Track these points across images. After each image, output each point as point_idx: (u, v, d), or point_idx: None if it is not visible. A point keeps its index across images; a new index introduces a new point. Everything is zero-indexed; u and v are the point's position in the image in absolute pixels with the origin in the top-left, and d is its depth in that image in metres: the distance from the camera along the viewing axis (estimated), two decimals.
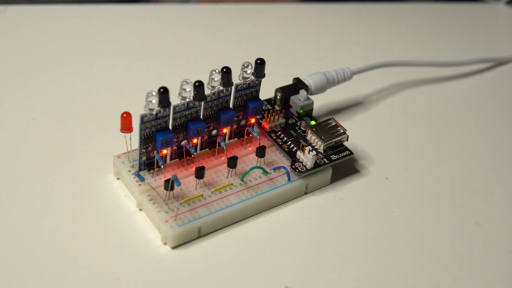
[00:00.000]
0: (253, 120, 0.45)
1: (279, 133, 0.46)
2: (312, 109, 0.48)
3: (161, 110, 0.40)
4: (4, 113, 0.48)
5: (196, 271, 0.39)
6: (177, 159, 0.43)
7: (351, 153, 0.45)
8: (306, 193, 0.44)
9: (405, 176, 0.47)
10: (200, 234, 0.41)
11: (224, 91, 0.42)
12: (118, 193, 0.43)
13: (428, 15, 0.66)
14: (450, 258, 0.41)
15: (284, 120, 0.46)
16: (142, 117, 0.40)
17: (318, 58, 0.55)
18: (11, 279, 0.37)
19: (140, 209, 0.42)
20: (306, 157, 0.43)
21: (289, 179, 0.43)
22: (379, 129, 0.51)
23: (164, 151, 0.42)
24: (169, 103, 0.40)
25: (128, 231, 0.40)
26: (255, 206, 0.42)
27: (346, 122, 0.50)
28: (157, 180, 0.42)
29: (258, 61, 0.43)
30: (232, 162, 0.42)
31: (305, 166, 0.43)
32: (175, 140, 0.42)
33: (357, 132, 0.49)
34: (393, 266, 0.41)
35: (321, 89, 0.49)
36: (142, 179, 0.42)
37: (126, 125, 0.41)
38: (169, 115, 0.41)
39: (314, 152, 0.43)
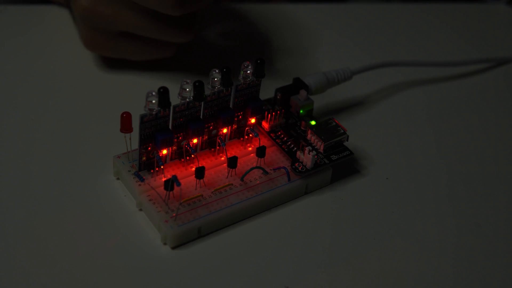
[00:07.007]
0: (253, 120, 0.45)
1: (279, 133, 0.46)
2: (312, 109, 0.48)
3: (161, 110, 0.40)
4: (4, 113, 0.48)
5: (196, 271, 0.39)
6: (177, 159, 0.43)
7: (351, 153, 0.45)
8: (306, 193, 0.44)
9: (405, 176, 0.47)
10: (200, 234, 0.41)
11: (224, 91, 0.42)
12: (118, 193, 0.43)
13: (428, 15, 0.66)
14: (450, 258, 0.41)
15: (284, 120, 0.46)
16: (142, 117, 0.40)
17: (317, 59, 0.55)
18: (11, 279, 0.37)
19: (140, 209, 0.42)
20: (306, 157, 0.43)
21: (289, 179, 0.43)
22: (379, 129, 0.51)
23: (164, 151, 0.42)
24: (169, 103, 0.40)
25: (128, 231, 0.40)
26: (255, 206, 0.42)
27: (346, 122, 0.50)
28: (157, 180, 0.42)
29: (258, 61, 0.43)
30: (232, 162, 0.42)
31: (305, 166, 0.43)
32: (175, 140, 0.42)
33: (357, 132, 0.49)
34: (393, 266, 0.41)
35: (321, 89, 0.49)
36: (142, 179, 0.41)
37: (126, 125, 0.41)
38: (169, 115, 0.41)
39: (314, 152, 0.43)
